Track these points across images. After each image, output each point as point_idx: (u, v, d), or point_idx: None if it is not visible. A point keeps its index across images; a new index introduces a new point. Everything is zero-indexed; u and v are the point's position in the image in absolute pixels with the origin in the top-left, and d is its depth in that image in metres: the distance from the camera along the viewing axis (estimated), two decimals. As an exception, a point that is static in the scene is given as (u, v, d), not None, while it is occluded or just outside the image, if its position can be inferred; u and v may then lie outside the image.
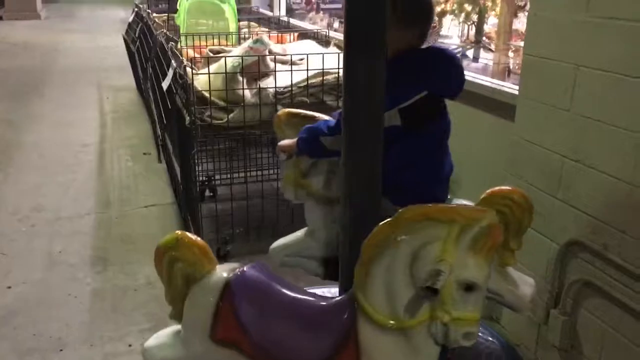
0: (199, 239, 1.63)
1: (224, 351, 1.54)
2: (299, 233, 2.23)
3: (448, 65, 1.85)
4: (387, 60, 1.65)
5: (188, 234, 1.64)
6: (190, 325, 1.61)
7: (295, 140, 1.99)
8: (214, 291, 1.55)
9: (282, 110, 2.16)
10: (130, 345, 2.52)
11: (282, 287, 1.56)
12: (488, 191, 1.71)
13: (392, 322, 1.35)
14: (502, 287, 1.73)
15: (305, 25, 5.58)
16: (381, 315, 1.35)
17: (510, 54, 3.30)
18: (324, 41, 4.11)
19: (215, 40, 4.27)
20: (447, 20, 3.93)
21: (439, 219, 1.28)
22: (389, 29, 1.63)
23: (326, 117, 2.06)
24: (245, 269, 1.59)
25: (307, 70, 3.11)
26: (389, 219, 1.34)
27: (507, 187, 1.76)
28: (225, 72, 2.97)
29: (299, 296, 1.54)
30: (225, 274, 1.58)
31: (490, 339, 2.09)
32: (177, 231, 1.64)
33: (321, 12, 6.04)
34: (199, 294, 1.58)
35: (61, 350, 2.51)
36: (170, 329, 1.72)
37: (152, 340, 1.71)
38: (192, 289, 1.59)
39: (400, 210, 1.33)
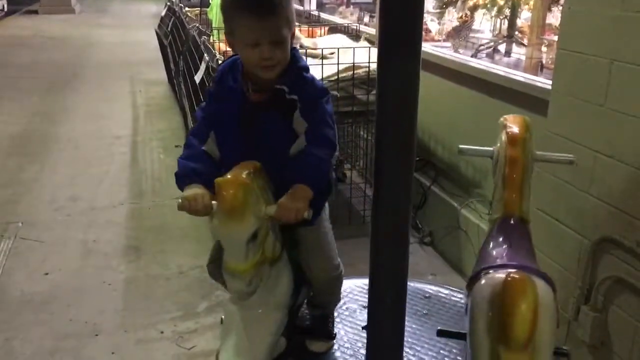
0: None
1: None
2: (240, 333, 1.59)
3: None
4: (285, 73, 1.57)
5: None
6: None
7: (297, 189, 1.52)
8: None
9: (231, 182, 1.44)
10: (162, 332, 2.58)
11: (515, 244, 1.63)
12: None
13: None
14: None
15: (336, 19, 5.58)
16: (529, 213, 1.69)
17: (544, 48, 3.26)
18: (355, 35, 4.12)
19: (247, 34, 4.30)
20: (479, 14, 3.89)
21: (530, 126, 1.72)
22: (284, 41, 1.53)
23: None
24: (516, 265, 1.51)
25: (338, 64, 3.12)
26: (509, 149, 1.67)
27: None
28: (257, 66, 3.00)
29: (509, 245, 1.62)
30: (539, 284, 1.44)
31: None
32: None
33: (351, 6, 6.03)
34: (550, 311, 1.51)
35: (96, 335, 2.58)
36: None
37: None
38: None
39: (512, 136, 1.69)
